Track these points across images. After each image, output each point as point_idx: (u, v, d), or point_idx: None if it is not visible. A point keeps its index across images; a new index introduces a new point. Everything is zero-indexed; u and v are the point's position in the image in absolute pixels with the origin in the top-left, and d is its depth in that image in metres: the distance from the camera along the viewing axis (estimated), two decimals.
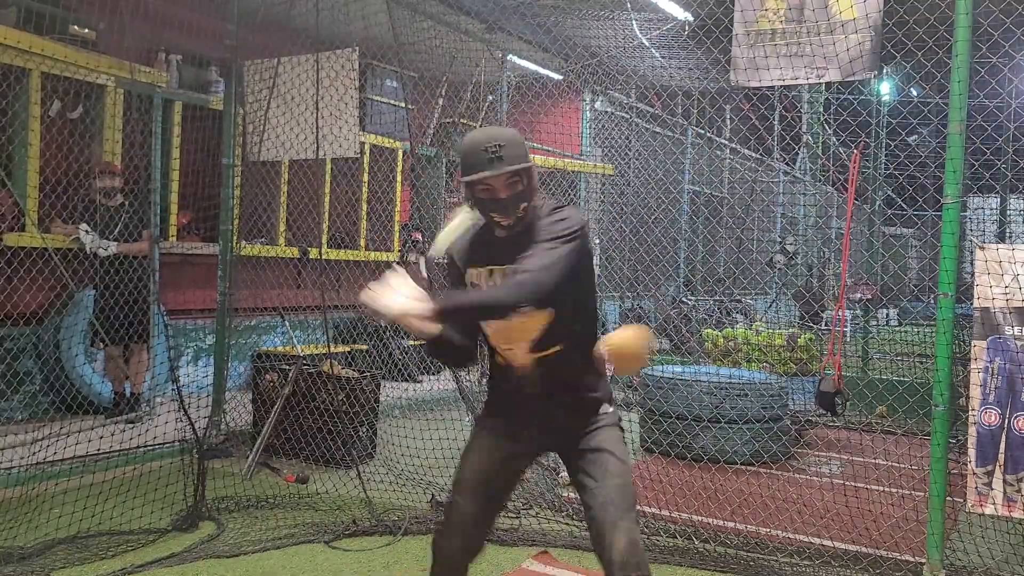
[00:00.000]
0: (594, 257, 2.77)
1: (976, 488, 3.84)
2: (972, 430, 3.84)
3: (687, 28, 6.92)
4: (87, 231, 6.20)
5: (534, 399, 2.70)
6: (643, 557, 2.49)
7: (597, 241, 10.01)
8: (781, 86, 10.14)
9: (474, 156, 2.56)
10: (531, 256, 2.50)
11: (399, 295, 2.37)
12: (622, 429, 2.74)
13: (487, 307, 2.54)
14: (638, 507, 4.63)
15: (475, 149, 2.57)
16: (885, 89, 9.74)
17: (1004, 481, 3.78)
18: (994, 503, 3.80)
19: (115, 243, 6.28)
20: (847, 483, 5.32)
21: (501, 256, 2.61)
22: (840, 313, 5.95)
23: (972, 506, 3.86)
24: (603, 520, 2.51)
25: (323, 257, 8.12)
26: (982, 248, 3.88)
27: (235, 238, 6.39)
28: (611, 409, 2.72)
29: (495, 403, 2.85)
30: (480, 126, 10.03)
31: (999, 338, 3.81)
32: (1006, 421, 3.78)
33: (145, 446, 5.57)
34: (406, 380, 8.78)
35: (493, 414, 2.83)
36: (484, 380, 2.79)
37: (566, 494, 5.10)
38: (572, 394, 2.70)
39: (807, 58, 4.30)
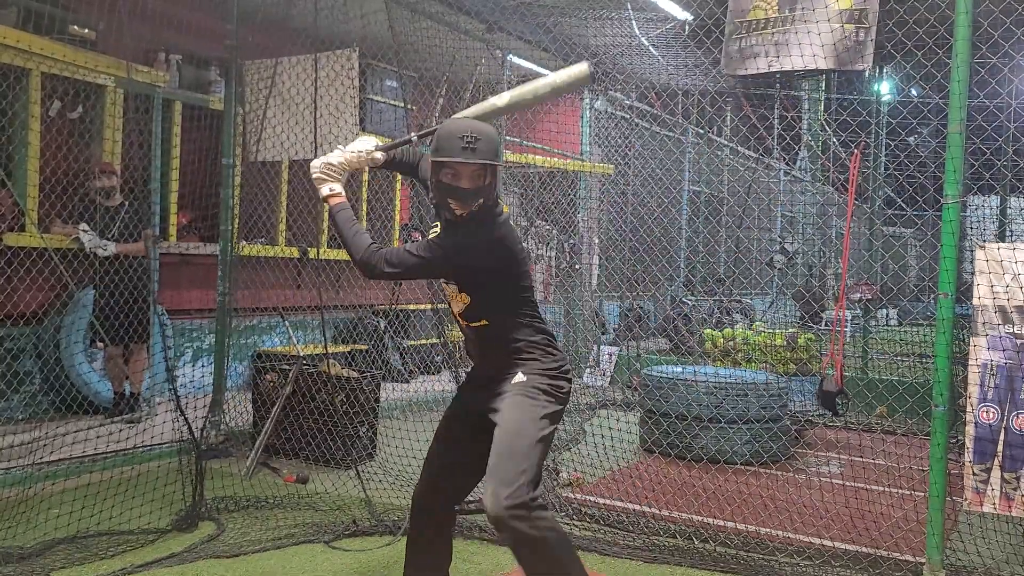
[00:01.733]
0: (519, 261, 3.04)
1: (973, 486, 3.83)
2: (970, 428, 3.84)
3: (687, 28, 6.92)
4: (86, 231, 6.20)
5: (474, 360, 3.16)
6: (508, 523, 2.68)
7: (596, 241, 10.01)
8: (781, 86, 10.14)
9: (449, 141, 2.77)
10: (410, 244, 2.91)
11: (329, 161, 2.97)
12: (539, 393, 2.92)
13: (344, 242, 2.92)
14: (637, 505, 4.61)
15: (452, 135, 2.77)
16: (885, 89, 9.74)
17: (1002, 479, 3.78)
18: (992, 501, 3.80)
19: (114, 243, 6.28)
20: (847, 483, 5.32)
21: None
22: (841, 313, 5.95)
23: (969, 504, 3.86)
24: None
25: (323, 257, 8.12)
26: (982, 247, 3.88)
27: (235, 238, 6.39)
28: (523, 378, 2.94)
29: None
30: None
31: (998, 335, 3.81)
32: (1004, 419, 3.78)
33: (145, 446, 5.57)
34: (404, 381, 8.79)
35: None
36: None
37: (566, 494, 5.10)
38: (492, 364, 3.04)
39: (801, 42, 4.26)
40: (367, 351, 8.30)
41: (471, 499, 4.84)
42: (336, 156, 2.98)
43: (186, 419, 4.78)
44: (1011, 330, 3.78)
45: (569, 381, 3.05)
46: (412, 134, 3.04)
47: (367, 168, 3.10)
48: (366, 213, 9.16)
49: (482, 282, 2.95)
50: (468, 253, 2.87)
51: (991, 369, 3.80)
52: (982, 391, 3.81)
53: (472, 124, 2.81)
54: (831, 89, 11.11)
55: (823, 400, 5.92)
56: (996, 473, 3.79)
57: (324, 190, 2.96)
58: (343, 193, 2.98)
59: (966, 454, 3.85)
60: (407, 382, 8.78)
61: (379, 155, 3.04)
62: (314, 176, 2.97)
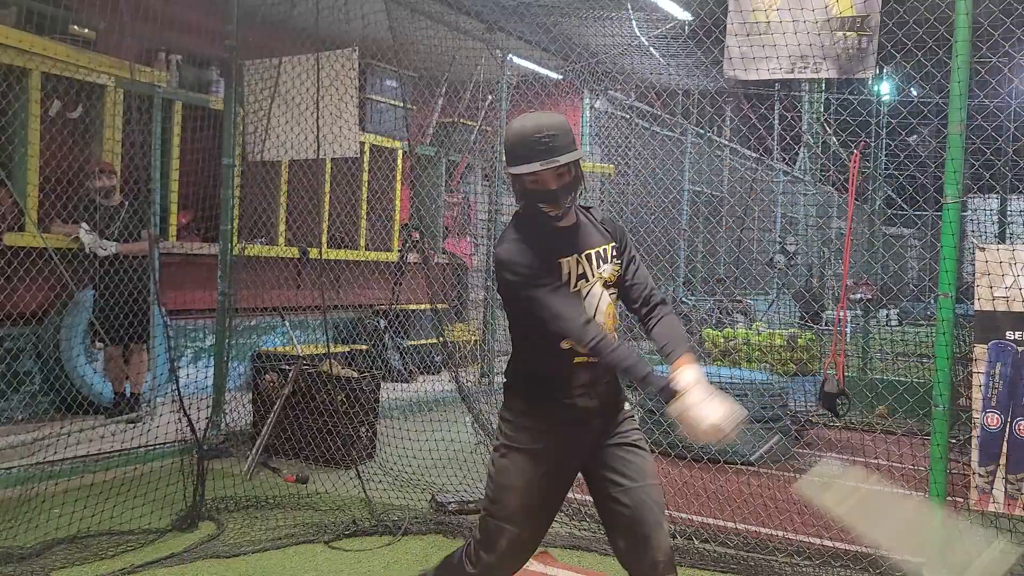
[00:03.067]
0: None
1: (979, 487, 3.85)
2: (976, 432, 3.85)
3: (687, 28, 6.92)
4: (87, 230, 6.20)
5: (596, 389, 2.60)
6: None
7: None
8: (780, 86, 10.13)
9: (524, 146, 2.47)
10: (638, 268, 2.66)
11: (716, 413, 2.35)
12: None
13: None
14: None
15: (525, 139, 2.47)
16: (885, 89, 9.73)
17: (1006, 480, 3.79)
18: (996, 501, 3.81)
19: (114, 243, 6.27)
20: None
21: (581, 243, 2.62)
22: (842, 313, 5.95)
23: (975, 504, 3.87)
24: (646, 520, 2.48)
25: (323, 257, 8.12)
26: (982, 249, 3.87)
27: (235, 238, 6.38)
28: (629, 407, 2.70)
29: (544, 414, 2.62)
30: (480, 126, 10.03)
31: (1000, 342, 3.81)
32: (1008, 425, 3.79)
33: (145, 446, 5.57)
34: (405, 381, 8.78)
35: (539, 427, 2.62)
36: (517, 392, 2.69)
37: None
38: (611, 383, 2.65)
39: (803, 52, 4.26)
40: (367, 351, 8.29)
41: (470, 500, 4.85)
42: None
43: (189, 419, 4.79)
44: (1013, 336, 3.78)
45: None
46: None
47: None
48: (366, 213, 9.16)
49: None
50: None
51: (995, 376, 3.81)
52: (986, 397, 3.82)
53: (541, 120, 2.51)
54: (831, 89, 11.10)
55: (824, 401, 5.92)
56: (1000, 475, 3.80)
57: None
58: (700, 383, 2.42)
59: (973, 457, 3.86)
60: (407, 382, 8.77)
61: None
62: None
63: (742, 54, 4.39)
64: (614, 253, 2.66)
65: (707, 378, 2.43)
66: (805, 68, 4.27)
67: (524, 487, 2.61)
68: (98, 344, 6.42)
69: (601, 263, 2.63)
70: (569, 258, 2.59)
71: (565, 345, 2.55)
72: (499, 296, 2.67)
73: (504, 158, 2.56)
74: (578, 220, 2.65)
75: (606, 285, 2.63)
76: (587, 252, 2.62)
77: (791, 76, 4.34)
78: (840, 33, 4.18)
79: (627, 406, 2.69)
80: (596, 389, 2.61)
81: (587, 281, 2.60)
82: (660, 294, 2.63)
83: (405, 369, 8.92)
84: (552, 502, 2.69)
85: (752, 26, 4.39)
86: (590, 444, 2.64)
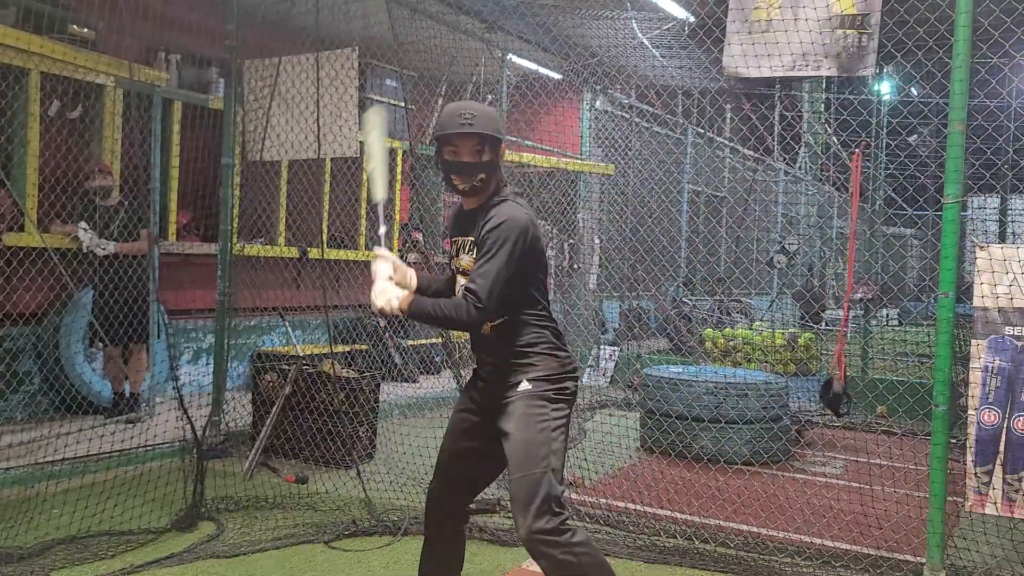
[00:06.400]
0: (544, 249, 3.01)
1: (975, 488, 3.83)
2: (971, 430, 3.84)
3: (687, 28, 6.92)
4: (86, 230, 6.20)
5: (481, 359, 3.03)
6: (538, 549, 2.69)
7: (597, 241, 10.01)
8: (781, 86, 10.12)
9: (448, 119, 2.84)
10: (476, 267, 2.76)
11: (381, 290, 2.83)
12: (545, 403, 2.85)
13: (442, 321, 2.82)
14: (637, 505, 4.60)
15: (451, 114, 2.85)
16: (885, 89, 9.73)
17: (1004, 481, 3.77)
18: (994, 503, 3.79)
19: (113, 243, 6.27)
20: (847, 483, 5.31)
21: (467, 228, 2.93)
22: (844, 313, 5.95)
23: (971, 506, 3.86)
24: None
25: (323, 257, 8.12)
26: (982, 248, 3.87)
27: (235, 238, 6.38)
28: (528, 387, 2.86)
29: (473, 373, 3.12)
30: None
31: (999, 338, 3.80)
32: (1005, 421, 3.77)
33: (145, 446, 5.57)
34: (405, 380, 8.78)
35: (469, 383, 3.15)
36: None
37: (566, 494, 5.09)
38: (499, 364, 2.94)
39: (804, 50, 4.26)
40: (367, 351, 8.29)
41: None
42: (379, 288, 2.86)
43: (190, 419, 4.78)
44: (1012, 332, 3.77)
45: (575, 379, 2.96)
46: (381, 229, 3.09)
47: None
48: (365, 214, 9.16)
49: (516, 270, 2.82)
50: (517, 231, 2.77)
51: (992, 371, 3.80)
52: (984, 393, 3.81)
53: (470, 104, 2.90)
54: (831, 89, 11.10)
55: (830, 402, 5.91)
56: (998, 475, 3.78)
57: (399, 306, 2.80)
58: (407, 292, 2.88)
59: (968, 456, 3.85)
60: (415, 381, 8.76)
61: (410, 273, 3.01)
62: (388, 311, 2.82)
63: (743, 51, 4.38)
64: (471, 246, 2.91)
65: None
66: (806, 66, 4.27)
67: (452, 416, 3.25)
68: (98, 344, 6.41)
69: (462, 253, 2.94)
70: (456, 239, 3.00)
71: None
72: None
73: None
74: (480, 208, 2.89)
75: (463, 273, 2.93)
76: (462, 238, 2.96)
77: (791, 74, 4.33)
78: (840, 31, 4.18)
79: (525, 385, 2.86)
80: (489, 353, 2.99)
81: (452, 263, 3.03)
82: (473, 288, 2.73)
83: (406, 369, 8.91)
84: (459, 437, 3.12)
85: (753, 24, 4.38)
86: (488, 409, 2.97)
